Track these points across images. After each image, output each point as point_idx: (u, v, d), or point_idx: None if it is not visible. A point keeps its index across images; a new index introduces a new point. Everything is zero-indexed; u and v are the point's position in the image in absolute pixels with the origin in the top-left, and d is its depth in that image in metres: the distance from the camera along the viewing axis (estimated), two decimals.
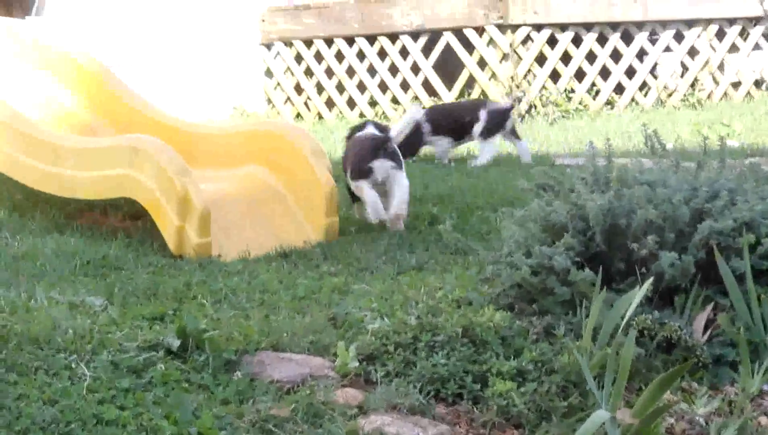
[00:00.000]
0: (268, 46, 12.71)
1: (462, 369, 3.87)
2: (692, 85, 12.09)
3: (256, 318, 4.33)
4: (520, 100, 9.39)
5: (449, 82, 11.52)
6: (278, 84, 12.70)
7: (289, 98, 12.63)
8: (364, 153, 6.14)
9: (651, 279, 3.94)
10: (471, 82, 11.40)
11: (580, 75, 11.63)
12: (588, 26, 11.60)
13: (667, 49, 12.04)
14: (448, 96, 11.43)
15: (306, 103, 12.38)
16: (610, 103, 11.75)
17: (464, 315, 4.17)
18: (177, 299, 4.63)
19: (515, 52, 11.12)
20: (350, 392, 3.76)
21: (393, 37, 11.84)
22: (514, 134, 8.57)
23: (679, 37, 12.04)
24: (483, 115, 8.45)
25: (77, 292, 4.59)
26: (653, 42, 11.93)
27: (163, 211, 5.67)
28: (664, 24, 11.94)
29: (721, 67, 12.29)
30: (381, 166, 6.07)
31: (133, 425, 3.37)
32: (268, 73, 12.79)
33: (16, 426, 3.27)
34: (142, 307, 4.42)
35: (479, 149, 8.56)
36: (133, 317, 4.26)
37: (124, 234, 5.92)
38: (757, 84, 12.47)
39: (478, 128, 8.45)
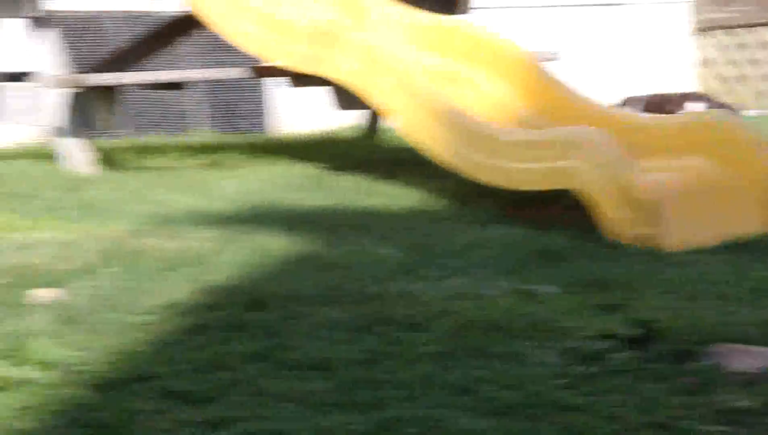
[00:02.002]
0: (702, 35, 12.45)
1: None
2: None
3: (708, 309, 4.23)
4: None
5: None
6: (716, 73, 12.42)
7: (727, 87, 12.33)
8: None
9: None
10: None
11: None
12: None
13: None
14: None
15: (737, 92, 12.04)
16: None
17: None
18: (625, 289, 4.60)
19: None
20: None
21: None
22: None
23: None
24: None
25: (527, 281, 4.65)
26: None
27: (606, 201, 5.65)
28: None
29: None
30: None
31: (593, 412, 3.36)
32: (700, 62, 12.53)
33: (482, 408, 3.34)
34: (591, 296, 4.42)
35: None
36: (584, 306, 4.27)
37: (563, 225, 5.95)
38: None
39: None
